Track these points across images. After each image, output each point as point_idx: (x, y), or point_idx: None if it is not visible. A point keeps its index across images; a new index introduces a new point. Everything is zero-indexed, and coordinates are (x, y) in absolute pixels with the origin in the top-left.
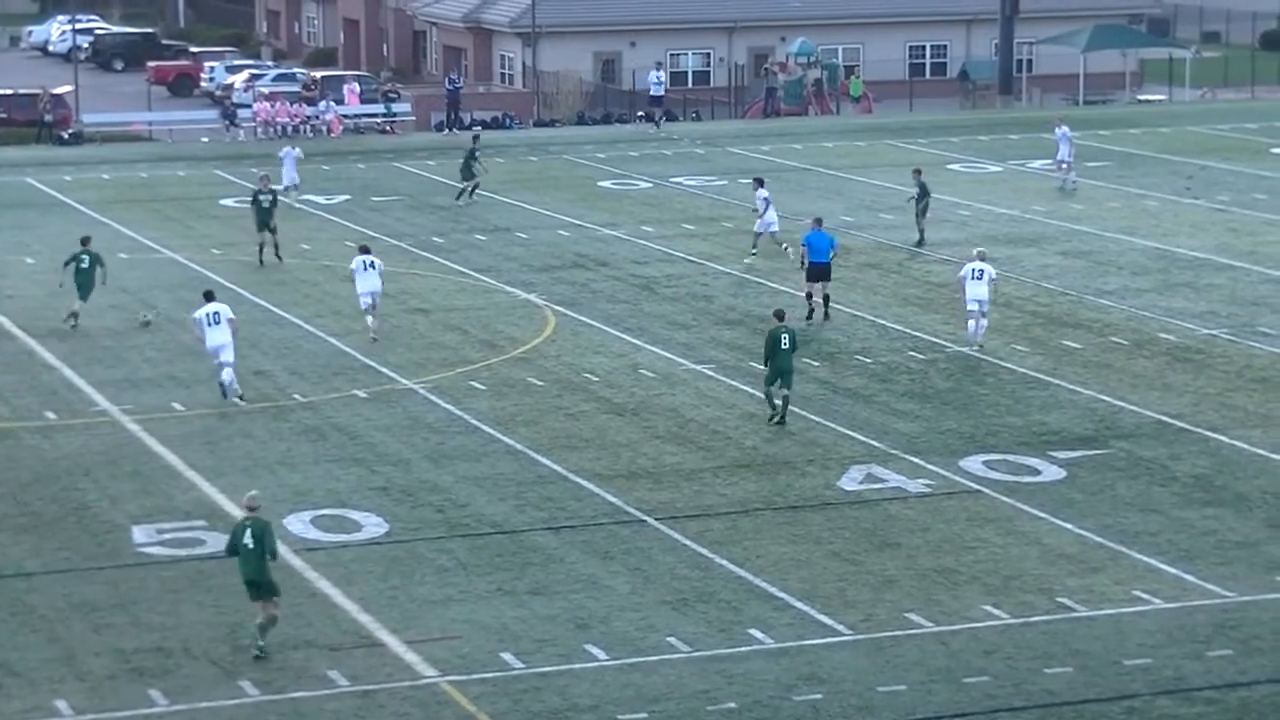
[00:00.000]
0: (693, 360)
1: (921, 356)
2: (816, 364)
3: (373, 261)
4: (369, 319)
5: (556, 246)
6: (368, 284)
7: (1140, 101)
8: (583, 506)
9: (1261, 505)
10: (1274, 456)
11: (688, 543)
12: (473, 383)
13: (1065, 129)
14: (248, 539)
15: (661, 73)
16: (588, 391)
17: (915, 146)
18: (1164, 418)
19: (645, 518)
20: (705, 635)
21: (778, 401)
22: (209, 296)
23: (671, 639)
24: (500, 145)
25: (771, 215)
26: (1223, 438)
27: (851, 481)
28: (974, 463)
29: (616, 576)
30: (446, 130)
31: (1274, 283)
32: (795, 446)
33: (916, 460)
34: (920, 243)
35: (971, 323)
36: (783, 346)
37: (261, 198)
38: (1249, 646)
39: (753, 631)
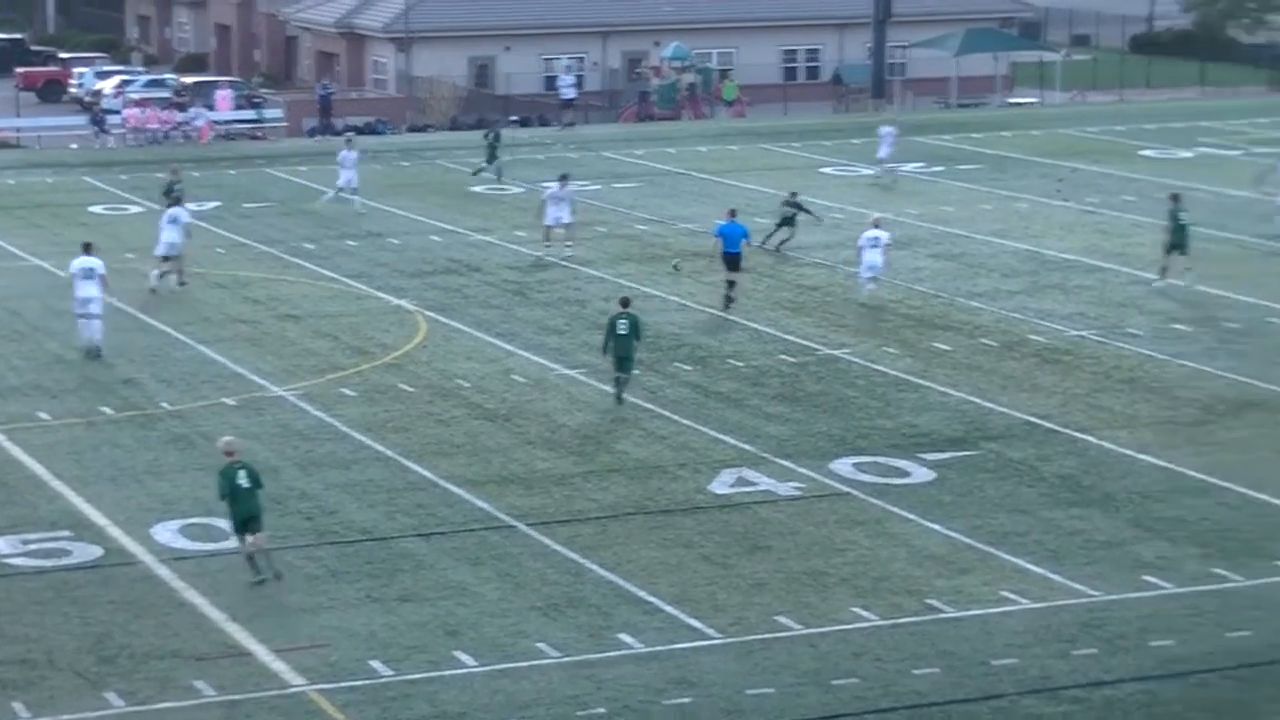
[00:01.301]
0: (565, 365)
1: (793, 360)
2: (688, 368)
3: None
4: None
5: (429, 252)
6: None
7: (1011, 104)
8: (453, 513)
9: (1128, 505)
10: (1140, 457)
11: (558, 548)
12: (343, 389)
13: (891, 129)
14: (242, 479)
15: (572, 75)
16: (459, 397)
17: (789, 150)
18: (1033, 419)
19: (516, 523)
20: (575, 640)
21: (620, 392)
22: (87, 249)
23: (541, 645)
24: (373, 150)
25: (563, 211)
26: (1090, 438)
27: (722, 485)
28: (844, 465)
29: (486, 583)
30: (319, 136)
31: (1142, 284)
32: (666, 450)
33: (787, 463)
34: (776, 247)
35: (869, 286)
36: (619, 332)
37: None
38: (1114, 645)
39: (623, 636)
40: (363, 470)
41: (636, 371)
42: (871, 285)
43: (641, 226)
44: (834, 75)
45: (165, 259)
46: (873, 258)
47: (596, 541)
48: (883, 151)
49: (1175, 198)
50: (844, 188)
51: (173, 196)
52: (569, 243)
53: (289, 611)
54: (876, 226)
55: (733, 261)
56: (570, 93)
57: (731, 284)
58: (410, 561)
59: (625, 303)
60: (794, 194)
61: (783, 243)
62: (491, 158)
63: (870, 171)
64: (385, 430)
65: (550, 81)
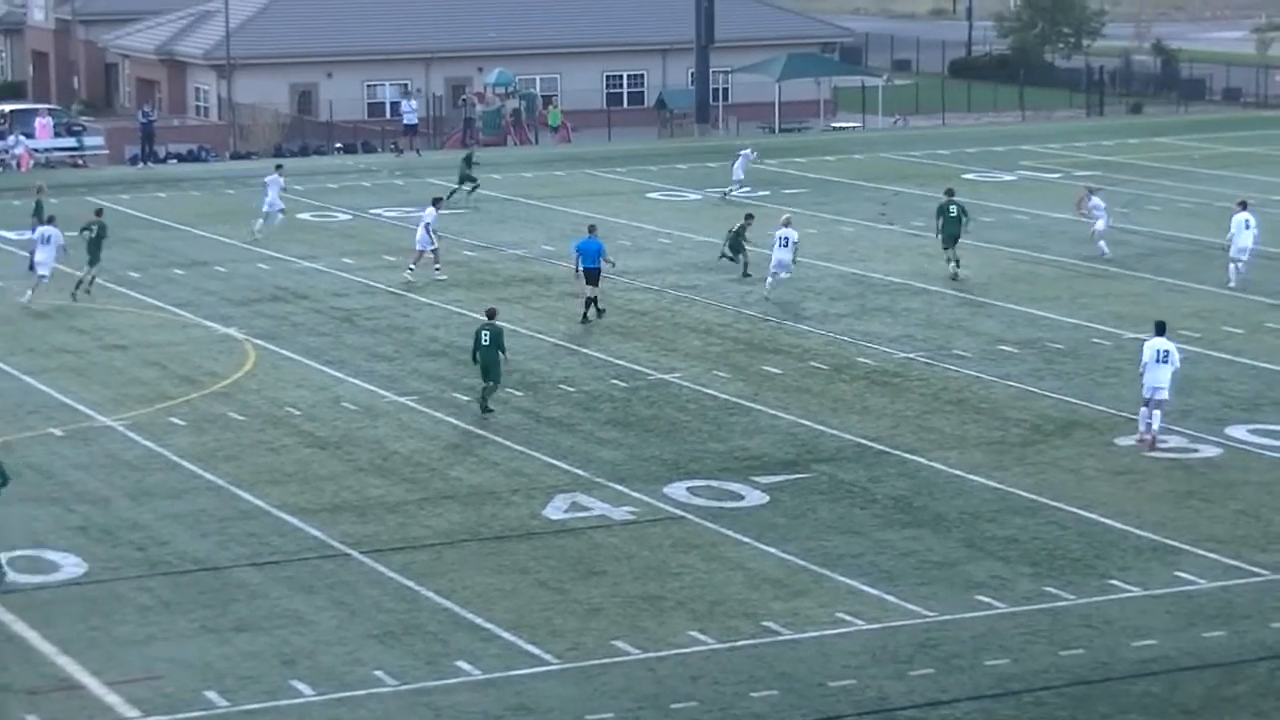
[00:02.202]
0: (395, 392)
1: (624, 384)
2: (520, 394)
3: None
4: None
5: (255, 280)
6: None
7: (834, 129)
8: (286, 541)
9: (959, 525)
10: (970, 477)
11: (393, 575)
12: (172, 419)
13: (748, 151)
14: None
15: (414, 101)
16: (290, 425)
17: (614, 175)
18: (864, 441)
19: (350, 551)
20: (412, 668)
21: (485, 402)
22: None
23: (378, 672)
24: (196, 179)
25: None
26: (921, 459)
27: (556, 510)
28: (678, 489)
29: (322, 611)
30: (141, 164)
31: (968, 306)
32: (499, 476)
33: (620, 488)
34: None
35: (770, 279)
36: (483, 343)
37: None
38: (949, 665)
39: (460, 663)
40: (194, 500)
41: (494, 382)
42: (778, 278)
43: (469, 253)
44: (658, 100)
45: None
46: (781, 255)
47: (431, 568)
48: (737, 172)
49: (950, 192)
50: (670, 212)
51: (44, 216)
52: (437, 265)
53: (121, 643)
54: (786, 225)
55: (592, 276)
56: (412, 119)
57: (592, 300)
58: (244, 591)
59: (491, 314)
60: (749, 217)
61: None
62: (465, 179)
63: (696, 196)
64: (216, 459)
65: (375, 108)
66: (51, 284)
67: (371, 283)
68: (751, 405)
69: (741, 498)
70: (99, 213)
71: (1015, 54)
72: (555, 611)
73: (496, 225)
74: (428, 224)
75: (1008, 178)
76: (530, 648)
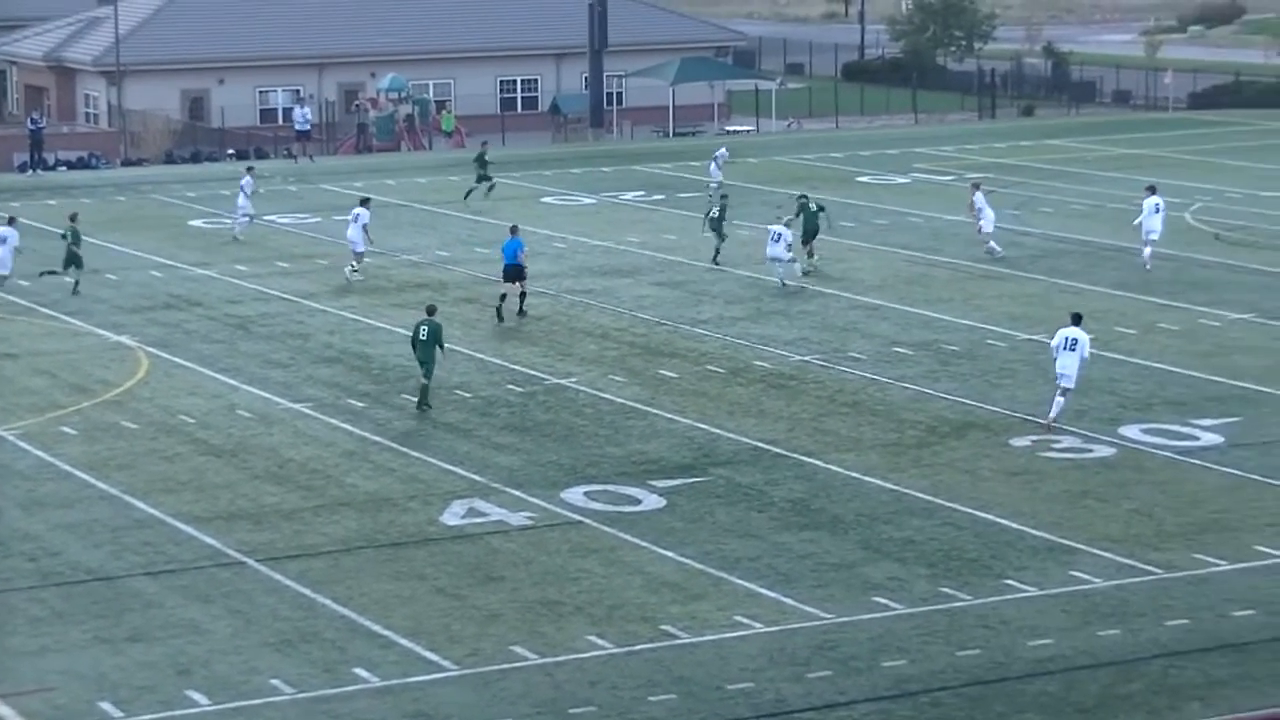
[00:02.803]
0: (290, 399)
1: (520, 389)
2: (415, 399)
3: None
4: None
5: (148, 287)
6: None
7: (729, 132)
8: (181, 550)
9: (856, 527)
10: (867, 479)
11: (290, 583)
12: (64, 428)
13: (722, 152)
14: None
15: (308, 109)
16: (184, 433)
17: (509, 180)
18: (760, 444)
19: (246, 559)
20: (310, 676)
21: (424, 397)
22: (10, 221)
23: (275, 681)
24: (87, 186)
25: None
26: (818, 462)
27: (454, 516)
28: (575, 494)
29: (217, 620)
30: (31, 171)
31: (863, 309)
32: (396, 483)
33: (518, 493)
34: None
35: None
36: (420, 338)
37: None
38: (847, 667)
39: (358, 670)
40: (87, 509)
41: (434, 377)
42: (792, 269)
43: (368, 260)
44: (552, 105)
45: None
46: (776, 250)
47: (328, 576)
48: (714, 172)
49: (803, 196)
50: (564, 217)
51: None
52: (356, 267)
53: (13, 655)
54: (783, 223)
55: (513, 272)
56: (305, 125)
57: (521, 295)
58: (139, 600)
59: (430, 310)
60: (724, 196)
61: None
62: (481, 178)
63: (591, 201)
64: (109, 468)
65: (267, 114)
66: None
67: (266, 289)
68: (648, 409)
69: (639, 502)
70: (73, 217)
71: (908, 57)
72: (453, 618)
73: (390, 231)
74: (364, 224)
75: (901, 180)
76: (428, 654)
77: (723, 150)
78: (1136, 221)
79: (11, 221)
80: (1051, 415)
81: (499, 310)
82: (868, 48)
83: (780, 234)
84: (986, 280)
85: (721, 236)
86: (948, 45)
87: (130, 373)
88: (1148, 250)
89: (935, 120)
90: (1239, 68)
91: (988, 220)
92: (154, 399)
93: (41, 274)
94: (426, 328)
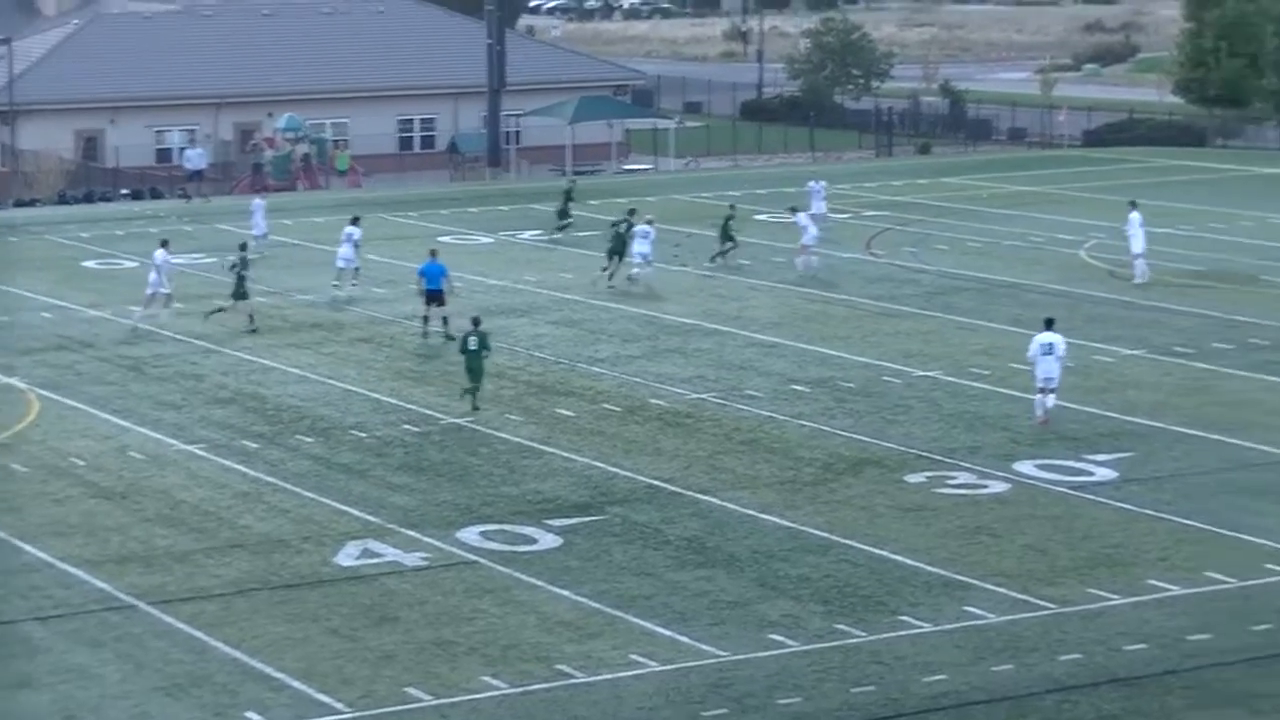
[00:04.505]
0: (183, 440)
1: (416, 429)
2: (310, 440)
3: None
4: None
5: (38, 329)
6: None
7: (627, 171)
8: (71, 594)
9: (751, 565)
10: (763, 516)
11: (181, 626)
12: None
13: (818, 183)
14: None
15: (200, 148)
16: (74, 476)
17: (406, 220)
18: (656, 482)
19: (137, 602)
20: None
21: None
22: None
23: None
24: None
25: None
26: (714, 499)
27: (348, 557)
28: (471, 534)
29: (107, 664)
30: None
31: (758, 346)
32: (289, 524)
33: (413, 533)
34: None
35: (637, 272)
36: (470, 348)
37: None
38: (742, 705)
39: (249, 714)
40: None
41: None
42: (640, 271)
43: (259, 299)
44: (450, 144)
45: None
46: (641, 248)
47: (220, 618)
48: (816, 207)
49: (631, 211)
50: (462, 256)
51: None
52: (354, 282)
53: None
54: (648, 224)
55: (434, 297)
56: (199, 165)
57: (443, 320)
58: (26, 646)
59: (476, 322)
60: (732, 206)
61: (723, 254)
62: (563, 213)
63: (488, 240)
64: None
65: (163, 154)
66: None
67: (159, 330)
68: (544, 448)
69: (535, 541)
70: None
71: (806, 96)
72: (347, 659)
73: (285, 271)
74: (356, 241)
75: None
76: (321, 696)
77: (818, 183)
78: (1126, 236)
79: (164, 244)
80: (1040, 415)
81: (424, 332)
82: (766, 86)
83: (648, 232)
84: (883, 318)
85: (733, 243)
86: (845, 84)
87: (20, 416)
88: (1138, 264)
89: (833, 158)
90: (1132, 105)
91: (808, 233)
92: (44, 441)
93: None
94: (475, 338)
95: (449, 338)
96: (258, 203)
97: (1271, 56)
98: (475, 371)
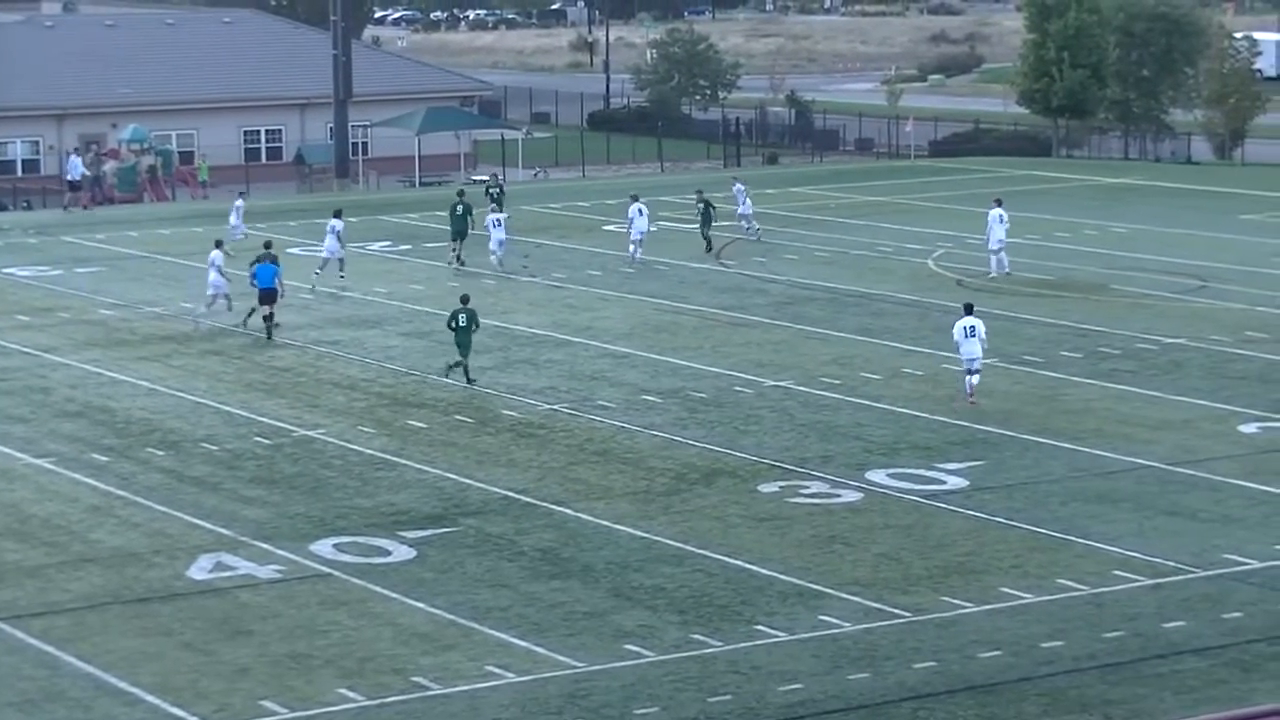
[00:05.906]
0: (32, 454)
1: (268, 442)
2: (161, 453)
3: None
4: None
5: None
6: None
7: (475, 181)
8: None
9: (606, 575)
10: (617, 527)
11: (33, 641)
12: None
13: (741, 186)
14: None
15: (80, 158)
16: None
17: (254, 231)
18: (510, 493)
19: None
20: None
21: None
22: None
23: None
24: None
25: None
26: (568, 510)
27: (201, 570)
28: (324, 546)
29: None
30: None
31: (611, 357)
32: (141, 538)
33: (266, 546)
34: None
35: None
36: (460, 324)
37: None
38: (599, 715)
39: None
40: None
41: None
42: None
43: (106, 311)
44: (297, 155)
45: None
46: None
47: (73, 633)
48: (743, 208)
49: (460, 191)
50: (311, 268)
51: None
52: (340, 274)
53: None
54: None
55: (267, 296)
56: (78, 174)
57: (269, 316)
58: None
59: (465, 300)
60: (700, 191)
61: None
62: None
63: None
64: None
65: (4, 165)
66: None
67: (5, 343)
68: (397, 460)
69: (389, 553)
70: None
71: (653, 106)
72: (201, 673)
73: (133, 283)
74: (338, 232)
75: (649, 229)
76: (176, 711)
77: (740, 185)
78: (986, 234)
79: (219, 245)
80: (968, 393)
81: (269, 329)
82: (613, 97)
83: (500, 220)
84: (733, 328)
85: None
86: (692, 94)
87: None
88: (994, 259)
89: (681, 168)
90: (978, 116)
91: (637, 230)
92: None
93: None
94: (465, 314)
95: (269, 336)
96: (237, 204)
97: (1113, 67)
98: (464, 346)
